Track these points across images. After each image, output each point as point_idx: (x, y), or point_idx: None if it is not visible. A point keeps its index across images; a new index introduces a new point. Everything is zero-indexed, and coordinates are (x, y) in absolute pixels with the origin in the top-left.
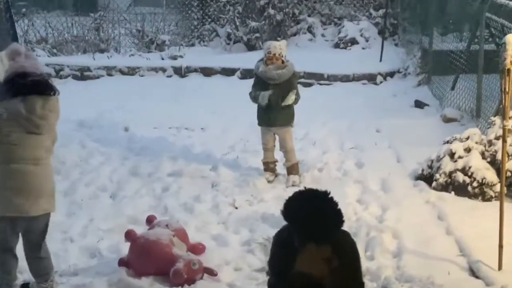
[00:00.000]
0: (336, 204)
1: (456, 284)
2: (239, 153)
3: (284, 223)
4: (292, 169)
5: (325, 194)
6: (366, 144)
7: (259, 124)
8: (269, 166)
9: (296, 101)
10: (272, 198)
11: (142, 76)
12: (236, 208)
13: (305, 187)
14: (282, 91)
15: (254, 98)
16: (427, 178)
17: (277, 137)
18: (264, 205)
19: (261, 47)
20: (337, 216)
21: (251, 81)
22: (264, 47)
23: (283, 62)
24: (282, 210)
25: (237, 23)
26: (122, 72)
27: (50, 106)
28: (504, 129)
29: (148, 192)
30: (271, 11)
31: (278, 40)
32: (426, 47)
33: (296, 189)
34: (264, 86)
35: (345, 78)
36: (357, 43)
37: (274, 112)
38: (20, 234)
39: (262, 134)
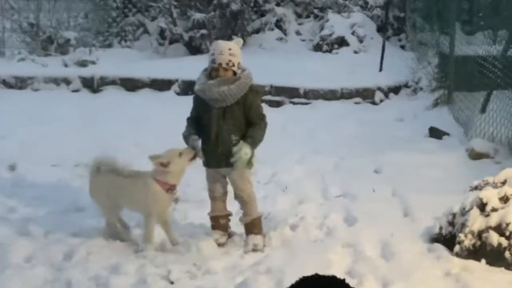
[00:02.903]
0: None
1: None
2: (177, 204)
3: None
4: (253, 227)
5: (342, 284)
6: (360, 190)
7: (204, 164)
8: (219, 223)
9: (260, 137)
10: (223, 269)
11: (36, 90)
12: (172, 283)
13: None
14: (235, 119)
15: (184, 137)
16: (447, 239)
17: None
18: (212, 279)
19: (208, 50)
20: None
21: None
22: (210, 50)
23: (235, 73)
24: None
25: (175, 15)
26: (6, 85)
27: None
28: None
29: (43, 259)
30: None
31: (231, 39)
32: (446, 52)
33: (259, 255)
34: (204, 109)
35: (330, 95)
36: (347, 44)
37: (220, 148)
38: None
39: (208, 177)
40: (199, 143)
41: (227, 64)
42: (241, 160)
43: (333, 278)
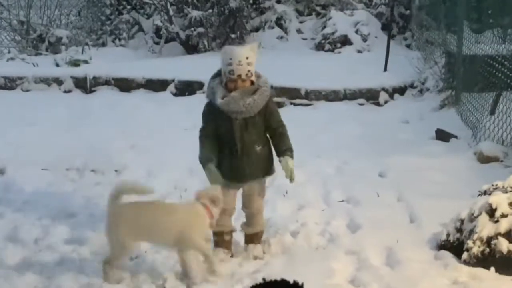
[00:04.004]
0: None
1: None
2: None
3: None
4: (255, 237)
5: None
6: (364, 195)
7: (224, 177)
8: (223, 239)
9: (291, 144)
10: (221, 277)
11: (26, 90)
12: None
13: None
14: (257, 129)
15: (200, 158)
16: (455, 246)
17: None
18: (210, 287)
19: (206, 49)
20: None
21: (189, 100)
22: (223, 57)
23: (252, 82)
24: None
25: (171, 12)
26: None
27: None
28: None
29: (34, 267)
30: None
31: (236, 40)
32: (453, 51)
33: (259, 263)
34: (224, 121)
35: (333, 96)
36: (351, 43)
37: (246, 160)
38: None
39: (222, 190)
40: (219, 175)
41: (246, 74)
42: (293, 174)
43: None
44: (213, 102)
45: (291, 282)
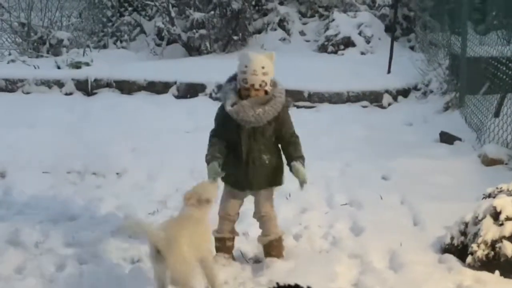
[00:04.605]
0: None
1: None
2: (174, 212)
3: None
4: (271, 248)
5: None
6: (367, 198)
7: (226, 181)
8: (225, 245)
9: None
10: (223, 280)
11: (27, 93)
12: None
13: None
14: (266, 139)
15: (206, 156)
16: (459, 250)
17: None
18: None
19: (208, 51)
20: None
21: (191, 102)
22: (239, 63)
23: (266, 92)
24: None
25: (173, 14)
26: None
27: None
28: None
29: (34, 271)
30: None
31: (238, 42)
32: (457, 52)
33: (261, 266)
34: (232, 127)
35: (336, 99)
36: (354, 45)
37: (251, 169)
38: None
39: (226, 196)
40: (219, 172)
41: (260, 85)
42: (306, 176)
43: None
44: (225, 107)
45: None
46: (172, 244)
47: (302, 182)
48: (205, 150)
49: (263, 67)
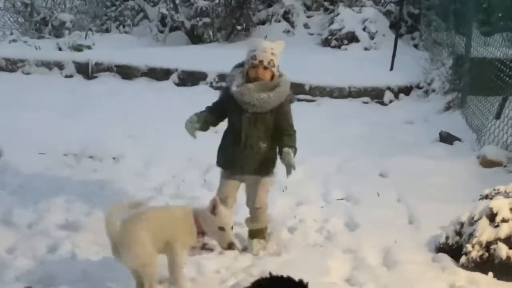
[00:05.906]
0: None
1: None
2: (169, 200)
3: None
4: (258, 233)
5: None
6: (364, 194)
7: (220, 164)
8: None
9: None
10: (215, 271)
11: (27, 74)
12: (161, 282)
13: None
14: (265, 126)
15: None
16: (453, 250)
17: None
18: (203, 280)
19: (211, 39)
20: None
21: (192, 90)
22: (248, 48)
23: (272, 77)
24: None
25: (177, 1)
26: None
27: None
28: None
29: (26, 251)
30: None
31: (242, 32)
32: (461, 53)
33: (254, 258)
34: (235, 110)
35: (337, 93)
36: (358, 40)
37: (247, 154)
38: None
39: (223, 180)
40: (195, 127)
41: (269, 63)
42: (292, 162)
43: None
44: (229, 88)
45: (297, 280)
46: (127, 238)
47: (288, 166)
48: (204, 138)
49: (272, 48)
